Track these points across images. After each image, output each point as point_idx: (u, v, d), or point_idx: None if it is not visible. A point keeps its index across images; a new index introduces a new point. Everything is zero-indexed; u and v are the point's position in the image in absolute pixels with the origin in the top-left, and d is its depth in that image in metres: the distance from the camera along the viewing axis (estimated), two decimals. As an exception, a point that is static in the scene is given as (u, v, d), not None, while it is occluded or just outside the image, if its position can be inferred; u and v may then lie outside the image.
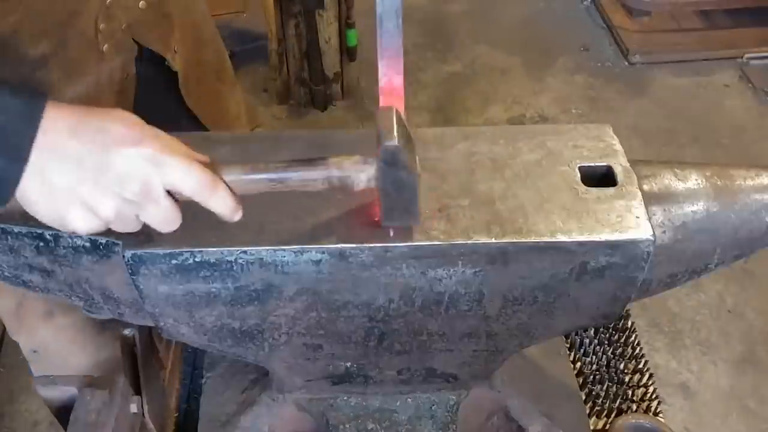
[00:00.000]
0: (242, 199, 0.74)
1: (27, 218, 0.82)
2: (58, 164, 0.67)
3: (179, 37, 1.20)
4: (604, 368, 1.31)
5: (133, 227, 0.73)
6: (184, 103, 1.24)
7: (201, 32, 1.32)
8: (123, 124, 0.69)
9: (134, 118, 0.70)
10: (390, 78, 0.83)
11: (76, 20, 1.00)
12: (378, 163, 0.74)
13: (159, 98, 1.19)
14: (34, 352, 1.20)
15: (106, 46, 1.05)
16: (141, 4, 1.09)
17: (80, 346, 1.19)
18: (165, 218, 0.72)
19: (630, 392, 1.27)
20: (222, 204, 0.73)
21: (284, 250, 0.80)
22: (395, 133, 0.72)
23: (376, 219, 0.82)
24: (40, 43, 0.97)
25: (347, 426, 1.07)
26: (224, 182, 0.73)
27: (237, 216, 0.74)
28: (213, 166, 0.73)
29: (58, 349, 1.17)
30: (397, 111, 0.75)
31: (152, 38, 1.13)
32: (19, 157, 0.65)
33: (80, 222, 0.70)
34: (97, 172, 0.67)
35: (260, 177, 0.75)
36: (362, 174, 0.75)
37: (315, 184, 0.76)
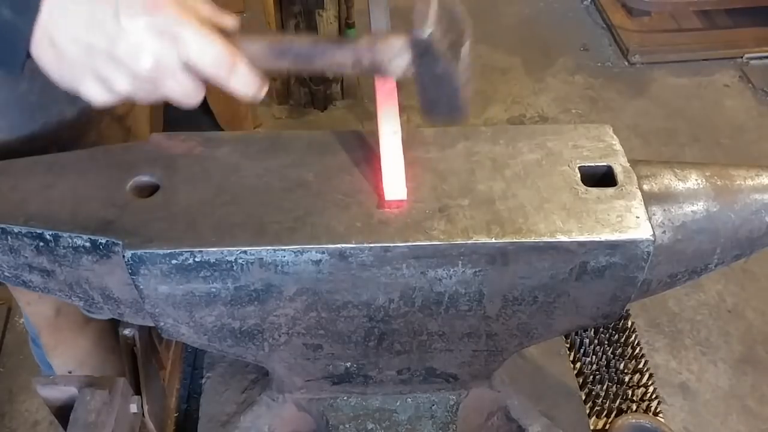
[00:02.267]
0: (266, 78, 0.70)
1: (27, 218, 0.82)
2: (66, 26, 0.63)
3: None
4: (604, 368, 1.31)
5: (154, 99, 0.70)
6: (204, 102, 1.24)
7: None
8: None
9: None
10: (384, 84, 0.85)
11: None
12: (411, 55, 0.66)
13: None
14: (69, 372, 1.18)
15: None
16: None
17: (113, 359, 1.17)
18: (184, 92, 0.68)
19: (630, 392, 1.27)
20: (243, 82, 0.68)
21: (284, 250, 0.80)
22: (430, 20, 0.64)
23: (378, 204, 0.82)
24: None
25: (347, 426, 1.07)
26: (245, 58, 0.67)
27: (261, 94, 0.70)
28: (234, 38, 0.67)
29: (94, 365, 1.15)
30: None
31: None
32: (27, 11, 0.62)
33: (95, 94, 0.67)
34: (109, 42, 0.63)
35: (285, 52, 0.68)
36: (399, 59, 0.67)
37: (344, 67, 0.69)
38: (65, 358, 1.17)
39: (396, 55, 0.66)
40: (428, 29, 0.63)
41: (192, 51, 0.64)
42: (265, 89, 0.70)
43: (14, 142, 0.97)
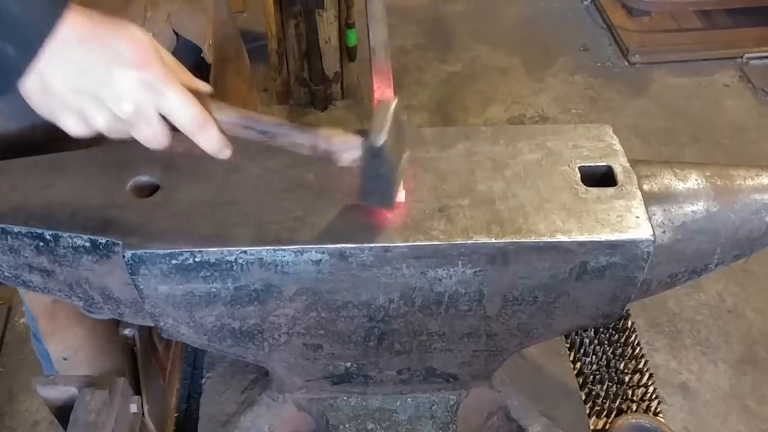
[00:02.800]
0: (229, 143, 0.77)
1: (27, 218, 0.82)
2: (61, 70, 0.68)
3: (212, 32, 1.21)
4: (604, 368, 1.31)
5: (122, 137, 0.75)
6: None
7: (226, 29, 1.33)
8: (133, 43, 0.70)
9: (145, 39, 0.71)
10: (382, 91, 0.91)
11: (129, 6, 1.03)
12: (363, 152, 0.77)
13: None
14: (65, 359, 1.18)
15: (150, 34, 1.06)
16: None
17: (111, 350, 1.18)
18: (154, 138, 0.74)
19: (630, 392, 1.27)
20: (210, 142, 0.75)
21: (284, 250, 0.80)
22: (385, 130, 0.76)
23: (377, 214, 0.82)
24: None
25: (347, 426, 1.07)
26: (216, 120, 0.75)
27: (224, 154, 0.77)
28: (209, 102, 0.75)
29: (89, 353, 1.16)
30: (394, 107, 0.78)
31: (191, 29, 1.15)
32: (29, 52, 0.67)
33: (72, 126, 0.72)
34: (97, 86, 0.69)
35: (251, 126, 0.77)
36: (347, 154, 0.78)
37: (301, 149, 0.78)
38: (61, 345, 1.19)
39: (348, 150, 0.78)
40: (383, 138, 0.75)
41: (172, 107, 0.72)
42: (229, 152, 0.77)
43: (15, 131, 0.97)
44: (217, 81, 1.25)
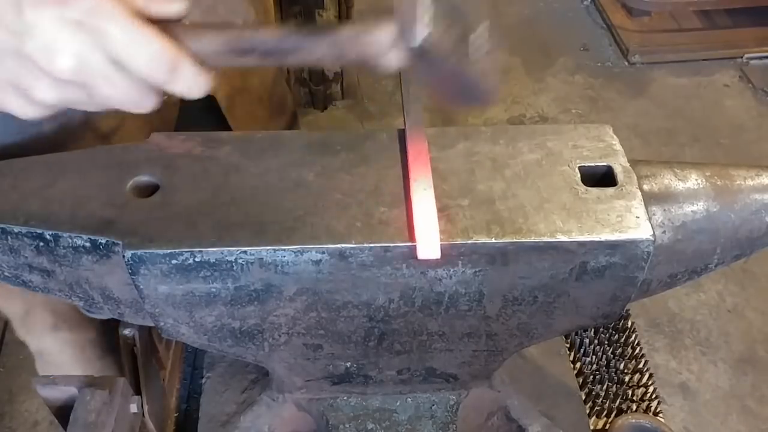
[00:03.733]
0: (218, 72, 0.59)
1: (27, 218, 0.82)
2: None
3: None
4: (604, 368, 1.31)
5: (95, 108, 0.59)
6: (226, 126, 1.20)
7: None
8: None
9: None
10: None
11: None
12: (407, 56, 0.55)
13: (199, 122, 1.14)
14: (40, 354, 1.19)
15: None
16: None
17: (82, 365, 1.18)
18: (128, 98, 0.56)
19: (630, 392, 1.27)
20: (188, 85, 0.58)
21: (284, 250, 0.80)
22: (420, 23, 0.53)
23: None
24: None
25: (347, 426, 1.07)
26: (190, 54, 0.56)
27: (206, 88, 0.58)
28: (178, 30, 0.55)
29: (62, 361, 1.16)
30: None
31: None
32: None
33: (17, 107, 0.57)
34: (16, 40, 0.52)
35: (248, 50, 0.57)
36: (390, 55, 0.56)
37: (324, 59, 0.60)
38: (34, 342, 1.18)
39: (386, 51, 0.56)
40: (420, 36, 0.53)
41: (119, 47, 0.53)
42: (211, 83, 0.59)
43: (15, 147, 0.96)
44: (235, 111, 1.17)
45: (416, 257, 0.80)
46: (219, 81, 1.15)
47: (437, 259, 0.81)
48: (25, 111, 0.58)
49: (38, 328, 1.15)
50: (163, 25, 0.54)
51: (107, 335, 1.15)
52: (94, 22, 0.51)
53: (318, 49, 0.57)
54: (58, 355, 1.15)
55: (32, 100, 0.56)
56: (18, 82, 0.54)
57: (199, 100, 1.13)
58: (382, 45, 0.56)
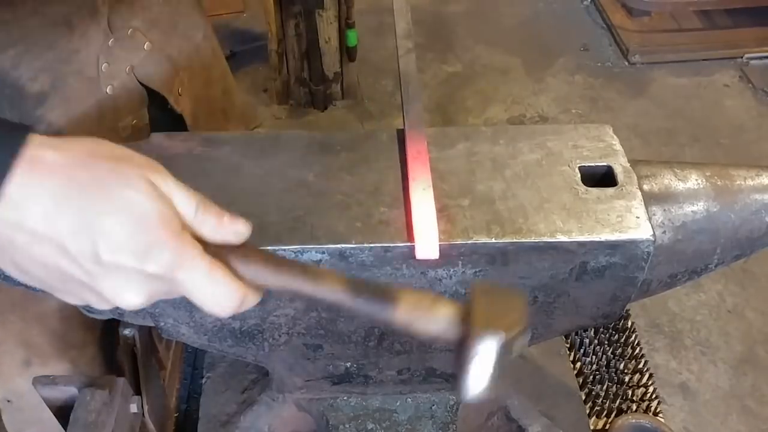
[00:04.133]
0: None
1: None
2: (33, 259, 0.50)
3: (186, 78, 1.17)
4: (604, 368, 1.31)
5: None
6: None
7: (210, 71, 1.28)
8: (124, 215, 0.49)
9: (145, 204, 0.51)
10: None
11: (76, 57, 0.98)
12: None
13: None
14: (8, 401, 1.15)
15: (109, 87, 1.03)
16: (146, 45, 1.07)
17: None
18: (221, 299, 0.54)
19: (630, 392, 1.28)
20: (245, 309, 0.56)
21: (284, 250, 0.80)
22: (484, 379, 0.54)
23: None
24: (38, 78, 0.95)
25: (347, 426, 1.07)
26: (253, 286, 0.55)
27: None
28: (236, 258, 0.54)
29: (34, 402, 1.13)
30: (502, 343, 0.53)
31: (156, 80, 1.10)
32: None
33: (100, 306, 0.54)
34: (88, 279, 0.50)
35: (296, 290, 0.56)
36: (439, 336, 0.56)
37: (374, 323, 0.59)
38: (2, 387, 1.15)
39: (437, 334, 0.56)
40: (481, 387, 0.54)
41: (192, 293, 0.53)
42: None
43: None
44: (199, 124, 1.20)
45: (415, 257, 0.80)
46: (186, 101, 1.14)
47: (437, 259, 0.81)
48: (106, 307, 0.56)
49: (8, 366, 1.11)
50: (218, 249, 0.54)
51: (83, 359, 1.14)
52: (169, 275, 0.51)
53: (364, 310, 0.57)
54: (30, 395, 1.11)
55: (93, 307, 0.55)
56: (84, 300, 0.54)
57: (169, 119, 1.13)
58: (434, 329, 0.56)
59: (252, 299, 0.56)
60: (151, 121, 1.12)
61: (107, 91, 1.03)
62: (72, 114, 0.99)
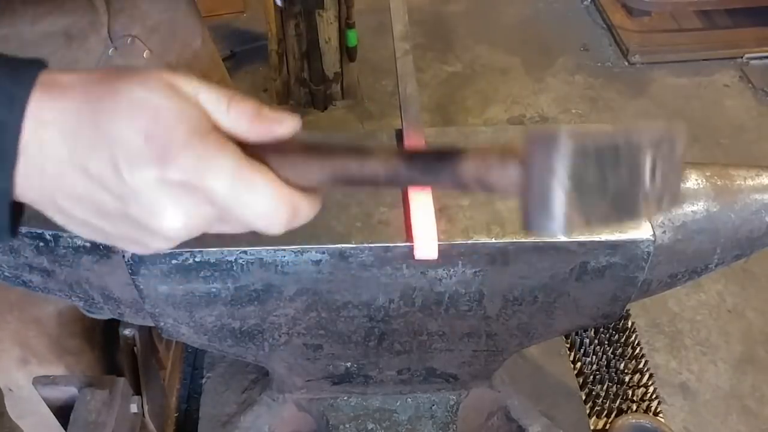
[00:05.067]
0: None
1: (27, 218, 0.82)
2: (56, 192, 0.47)
3: None
4: (604, 368, 1.31)
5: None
6: None
7: (208, 77, 1.27)
8: (135, 117, 0.45)
9: (153, 101, 0.46)
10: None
11: (75, 68, 0.98)
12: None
13: None
14: (9, 390, 1.17)
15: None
16: (146, 53, 1.07)
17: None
18: (260, 226, 0.50)
19: (630, 392, 1.28)
20: (305, 220, 0.53)
21: (284, 250, 0.80)
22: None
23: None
24: None
25: (347, 426, 1.07)
26: (299, 188, 0.50)
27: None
28: (272, 158, 0.48)
29: (32, 396, 1.14)
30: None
31: None
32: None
33: (145, 252, 0.53)
34: (121, 205, 0.47)
35: (353, 179, 0.51)
36: (510, 187, 0.50)
37: (436, 187, 0.57)
38: (2, 378, 1.16)
39: (508, 184, 0.49)
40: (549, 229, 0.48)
41: (230, 204, 0.48)
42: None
43: None
44: None
45: (415, 257, 0.80)
46: None
47: (437, 259, 0.81)
48: (147, 252, 0.54)
49: (6, 362, 1.12)
50: (261, 152, 0.48)
51: (79, 366, 1.15)
52: (197, 182, 0.46)
53: (432, 181, 0.50)
54: (28, 389, 1.13)
55: (151, 249, 0.52)
56: (134, 239, 0.50)
57: None
58: (504, 185, 0.49)
59: (307, 208, 0.50)
60: None
61: None
62: None
